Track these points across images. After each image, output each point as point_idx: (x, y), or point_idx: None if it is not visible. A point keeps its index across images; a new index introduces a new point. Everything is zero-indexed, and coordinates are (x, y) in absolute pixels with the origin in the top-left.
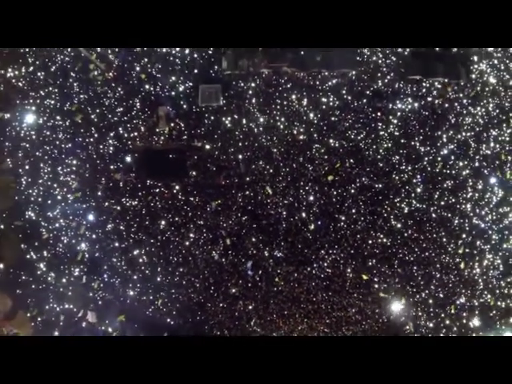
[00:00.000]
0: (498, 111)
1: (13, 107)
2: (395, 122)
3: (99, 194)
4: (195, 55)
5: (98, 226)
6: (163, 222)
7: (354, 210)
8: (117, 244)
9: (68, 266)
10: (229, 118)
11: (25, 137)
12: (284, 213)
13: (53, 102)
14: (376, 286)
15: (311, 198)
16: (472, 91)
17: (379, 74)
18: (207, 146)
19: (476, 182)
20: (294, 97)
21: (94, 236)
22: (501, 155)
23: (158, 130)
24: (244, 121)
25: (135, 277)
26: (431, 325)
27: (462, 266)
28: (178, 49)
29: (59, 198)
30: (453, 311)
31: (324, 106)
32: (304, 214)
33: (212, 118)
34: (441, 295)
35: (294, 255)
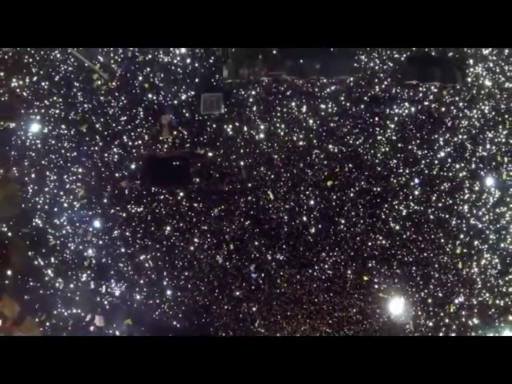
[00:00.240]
0: (493, 113)
1: (18, 117)
2: (392, 126)
3: (105, 201)
4: (196, 64)
5: (105, 233)
6: (168, 228)
7: (353, 213)
8: (123, 249)
9: (75, 272)
10: (230, 126)
11: (30, 146)
12: (285, 217)
13: (57, 111)
14: (376, 286)
15: (312, 202)
16: (468, 94)
17: (376, 80)
18: (210, 154)
19: (473, 184)
20: (293, 104)
21: (100, 242)
22: (497, 156)
23: (161, 138)
24: (245, 128)
25: (142, 281)
26: (431, 324)
27: (460, 265)
28: (179, 58)
29: (65, 205)
30: (452, 310)
31: (323, 113)
32: (305, 218)
33: (214, 125)
34: (440, 295)
35: (295, 258)
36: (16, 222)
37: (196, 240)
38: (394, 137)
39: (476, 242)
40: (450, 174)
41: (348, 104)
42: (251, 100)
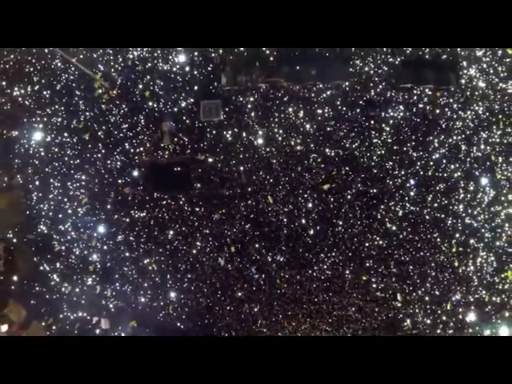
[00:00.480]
0: (487, 114)
1: (20, 125)
2: (388, 129)
3: (109, 207)
4: (195, 72)
5: (109, 238)
6: (171, 232)
7: (350, 215)
8: (127, 254)
9: (81, 276)
10: (230, 132)
11: (34, 154)
12: (285, 220)
13: (59, 119)
14: (374, 285)
15: (310, 204)
16: (462, 96)
17: (371, 84)
18: (210, 159)
19: (467, 184)
20: (290, 109)
21: (105, 247)
22: (491, 156)
23: (162, 144)
24: (244, 134)
25: (146, 284)
26: (428, 321)
27: (457, 263)
28: (178, 66)
29: (70, 211)
30: (449, 307)
31: (319, 117)
32: (304, 220)
33: (214, 132)
34: (437, 292)
35: (295, 259)
36: (21, 229)
37: (198, 243)
38: (390, 139)
39: (472, 241)
40: (445, 175)
41: (344, 108)
42: (249, 106)
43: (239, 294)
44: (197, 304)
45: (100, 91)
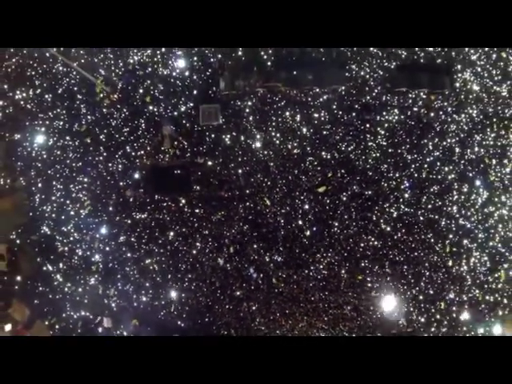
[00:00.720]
0: (481, 117)
1: (22, 128)
2: (383, 132)
3: (110, 208)
4: (195, 77)
5: (111, 239)
6: (171, 233)
7: (346, 216)
8: (129, 254)
9: (84, 276)
10: (228, 136)
11: (36, 156)
12: (282, 221)
13: (61, 123)
14: (369, 285)
15: (306, 206)
16: (456, 100)
17: (367, 88)
18: (209, 162)
19: (461, 185)
20: (287, 113)
21: (107, 248)
22: (484, 158)
23: (163, 148)
24: (242, 137)
25: (147, 284)
26: (423, 319)
27: (450, 263)
28: (178, 71)
29: (72, 213)
30: (443, 306)
31: (316, 121)
32: (300, 222)
33: (213, 135)
34: (431, 292)
35: (292, 259)
36: (24, 230)
37: (198, 244)
38: (385, 142)
39: (465, 241)
40: (439, 177)
41: (340, 112)
42: (247, 110)
43: (238, 293)
44: (197, 303)
45: (101, 95)
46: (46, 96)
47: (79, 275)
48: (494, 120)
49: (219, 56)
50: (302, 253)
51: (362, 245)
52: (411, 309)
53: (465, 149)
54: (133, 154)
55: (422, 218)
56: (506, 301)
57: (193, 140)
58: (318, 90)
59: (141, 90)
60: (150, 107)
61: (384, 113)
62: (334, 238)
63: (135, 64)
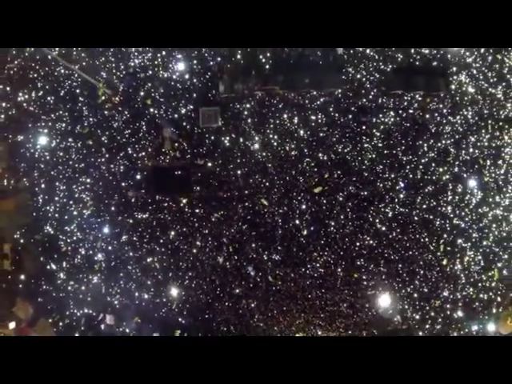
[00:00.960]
0: (476, 118)
1: (25, 130)
2: (378, 134)
3: (113, 209)
4: (194, 80)
5: (113, 238)
6: (172, 233)
7: (342, 216)
8: (131, 253)
9: (87, 275)
10: (227, 138)
11: (39, 158)
12: (280, 221)
13: (64, 125)
14: (364, 283)
15: (303, 206)
16: (451, 101)
17: (363, 91)
18: (209, 164)
19: (456, 186)
20: (285, 116)
21: (109, 247)
22: (479, 159)
23: (163, 149)
24: (241, 139)
25: (149, 282)
26: (417, 317)
27: (445, 262)
28: (178, 74)
29: (75, 213)
30: (437, 304)
31: (313, 123)
32: (297, 221)
33: (212, 137)
34: (425, 290)
35: (289, 258)
36: (28, 230)
37: (198, 243)
38: (380, 144)
39: (459, 241)
40: (434, 178)
41: (336, 114)
42: (246, 113)
43: (237, 290)
44: (197, 300)
45: (103, 98)
46: (49, 98)
47: (82, 274)
48: (489, 121)
49: (218, 59)
50: (299, 251)
51: (358, 244)
52: (406, 306)
53: (459, 150)
54: (134, 155)
55: (416, 218)
56: (499, 299)
57: (193, 142)
58: (314, 92)
59: (142, 93)
60: (151, 109)
61: (380, 115)
62: (331, 237)
63: (136, 67)
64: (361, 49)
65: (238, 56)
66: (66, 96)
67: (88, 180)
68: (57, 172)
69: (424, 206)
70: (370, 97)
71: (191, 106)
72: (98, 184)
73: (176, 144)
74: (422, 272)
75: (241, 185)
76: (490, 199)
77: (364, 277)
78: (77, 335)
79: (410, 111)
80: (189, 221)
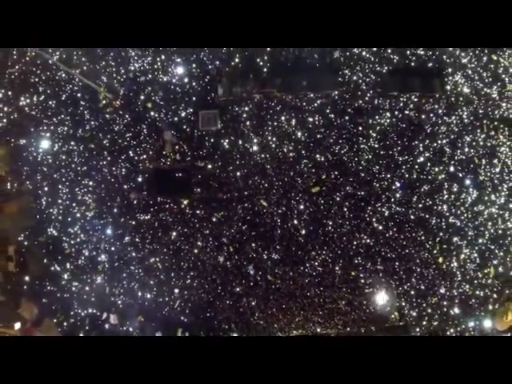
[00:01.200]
0: (471, 118)
1: (28, 134)
2: (375, 135)
3: (115, 210)
4: (194, 84)
5: (116, 239)
6: (174, 233)
7: (339, 216)
8: (134, 254)
9: (90, 276)
10: (227, 140)
11: (42, 161)
12: (278, 221)
13: (66, 128)
14: (362, 280)
15: (302, 206)
16: (447, 102)
17: (359, 93)
18: (209, 166)
19: (452, 185)
20: (283, 118)
21: (112, 248)
22: (474, 159)
23: (164, 152)
24: (240, 142)
25: (151, 282)
26: (414, 314)
27: (441, 260)
28: (177, 77)
29: (78, 215)
30: (433, 301)
31: (310, 125)
32: (296, 221)
33: (212, 140)
34: (422, 287)
35: (288, 257)
36: (32, 232)
37: (199, 243)
38: (377, 145)
39: (455, 239)
40: (430, 177)
41: (333, 116)
42: (245, 116)
43: (238, 289)
44: (199, 299)
45: (104, 102)
46: (50, 102)
47: (86, 274)
48: (484, 121)
49: (217, 63)
50: (298, 251)
51: (355, 243)
52: (403, 303)
53: (455, 149)
54: (135, 158)
55: (413, 217)
56: (495, 295)
57: (193, 144)
58: (312, 95)
59: (142, 97)
60: (152, 113)
61: (376, 116)
62: (329, 236)
63: (136, 71)
64: (357, 51)
65: (236, 59)
66: (68, 100)
67: (90, 183)
68: (59, 175)
69: (420, 205)
70: (367, 98)
71: (191, 109)
72: (101, 186)
73: (176, 147)
74: (418, 270)
75: (240, 186)
76: (486, 198)
77: (361, 275)
78: (81, 335)
79: (406, 112)
80: (190, 222)
